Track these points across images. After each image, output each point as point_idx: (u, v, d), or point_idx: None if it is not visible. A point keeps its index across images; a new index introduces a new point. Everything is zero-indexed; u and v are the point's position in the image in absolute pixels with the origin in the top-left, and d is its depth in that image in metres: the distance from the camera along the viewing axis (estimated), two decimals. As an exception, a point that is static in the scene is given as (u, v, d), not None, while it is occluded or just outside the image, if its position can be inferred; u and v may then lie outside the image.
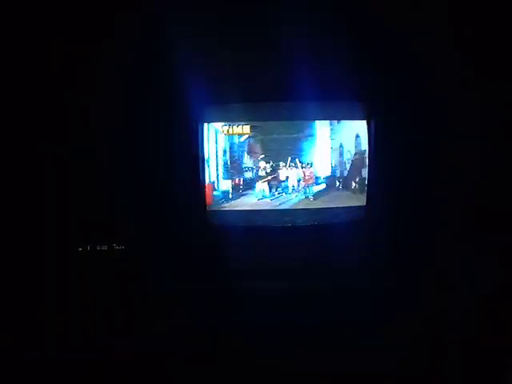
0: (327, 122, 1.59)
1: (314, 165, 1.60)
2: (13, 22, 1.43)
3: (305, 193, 1.62)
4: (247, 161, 1.59)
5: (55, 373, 1.30)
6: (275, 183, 1.61)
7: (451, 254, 1.54)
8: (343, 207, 1.62)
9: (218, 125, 1.56)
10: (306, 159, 1.59)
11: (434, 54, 1.54)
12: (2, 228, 1.46)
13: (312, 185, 1.62)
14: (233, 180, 1.60)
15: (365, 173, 1.60)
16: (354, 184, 1.62)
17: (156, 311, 1.41)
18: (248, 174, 1.60)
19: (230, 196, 1.60)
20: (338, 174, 1.62)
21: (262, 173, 1.60)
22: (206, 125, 1.55)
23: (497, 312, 1.36)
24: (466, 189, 1.58)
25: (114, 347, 1.34)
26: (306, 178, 1.61)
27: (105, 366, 1.32)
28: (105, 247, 1.54)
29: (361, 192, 1.61)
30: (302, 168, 1.60)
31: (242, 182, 1.60)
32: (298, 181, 1.61)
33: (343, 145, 1.60)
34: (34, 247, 1.48)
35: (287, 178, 1.61)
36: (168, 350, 1.34)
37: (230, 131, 1.57)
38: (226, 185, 1.59)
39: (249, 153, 1.58)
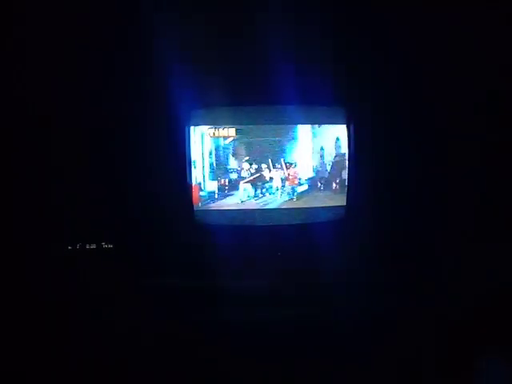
0: (309, 125, 1.66)
1: (297, 165, 1.66)
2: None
3: (288, 193, 1.67)
4: (232, 162, 1.64)
5: (50, 372, 1.32)
6: (260, 184, 1.66)
7: (432, 252, 1.60)
8: (324, 207, 1.67)
9: (204, 128, 1.61)
10: (289, 160, 1.65)
11: (415, 59, 1.61)
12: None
13: (296, 185, 1.67)
14: (218, 181, 1.64)
15: (345, 174, 1.66)
16: (334, 185, 1.68)
17: (143, 309, 1.42)
18: (233, 176, 1.64)
19: (216, 196, 1.64)
20: (320, 176, 1.68)
21: (244, 174, 1.65)
22: (192, 128, 1.60)
23: (479, 312, 1.40)
24: (446, 188, 1.65)
25: (105, 345, 1.36)
26: (290, 178, 1.66)
27: (98, 365, 1.34)
28: (93, 246, 1.57)
29: (341, 192, 1.67)
30: (287, 169, 1.65)
31: (227, 183, 1.65)
32: (282, 181, 1.66)
33: (324, 147, 1.66)
34: (24, 246, 1.50)
35: (271, 178, 1.66)
36: (157, 347, 1.36)
37: (216, 134, 1.62)
38: (212, 186, 1.64)
39: (234, 155, 1.63)
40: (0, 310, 1.37)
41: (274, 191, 1.67)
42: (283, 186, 1.67)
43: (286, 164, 1.65)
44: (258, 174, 1.65)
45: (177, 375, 1.34)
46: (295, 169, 1.66)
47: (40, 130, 1.55)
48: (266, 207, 1.67)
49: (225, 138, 1.62)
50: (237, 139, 1.62)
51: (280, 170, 1.66)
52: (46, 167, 1.56)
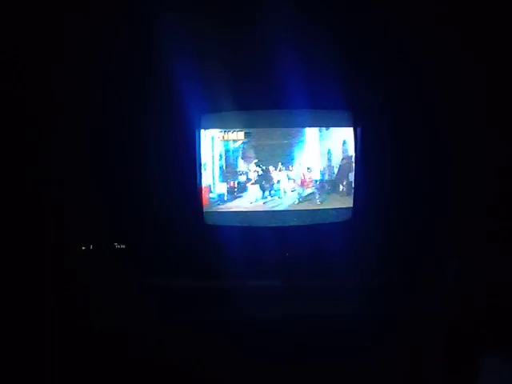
0: (317, 128, 1.68)
1: (312, 170, 1.69)
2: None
3: (296, 195, 1.70)
4: (241, 165, 1.67)
5: (55, 370, 1.35)
6: (267, 186, 1.69)
7: (436, 253, 1.62)
8: (331, 209, 1.70)
9: (215, 131, 1.65)
10: (301, 164, 1.68)
11: (422, 62, 1.62)
12: (5, 227, 1.52)
13: (305, 188, 1.69)
14: (228, 183, 1.67)
15: (351, 177, 1.68)
16: (341, 187, 1.70)
17: (153, 309, 1.46)
18: (242, 178, 1.68)
19: (225, 198, 1.67)
20: (327, 178, 1.70)
21: (251, 175, 1.68)
22: (203, 131, 1.63)
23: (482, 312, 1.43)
24: (453, 190, 1.66)
25: (113, 344, 1.39)
26: (307, 181, 1.69)
27: (105, 362, 1.38)
28: (106, 246, 1.61)
29: (348, 194, 1.69)
30: (293, 171, 1.68)
31: (236, 185, 1.68)
32: (290, 183, 1.69)
33: (331, 150, 1.69)
34: (38, 246, 1.53)
35: (279, 181, 1.69)
36: (166, 345, 1.40)
37: (225, 137, 1.65)
38: (221, 188, 1.67)
39: (243, 158, 1.66)
40: (10, 309, 1.40)
41: (281, 193, 1.70)
42: (291, 188, 1.69)
43: (293, 167, 1.68)
44: (263, 176, 1.67)
45: (187, 375, 1.38)
46: (311, 172, 1.69)
47: (54, 133, 1.59)
48: (274, 209, 1.69)
49: (234, 141, 1.65)
50: (246, 142, 1.65)
51: (288, 172, 1.68)
52: (60, 169, 1.59)
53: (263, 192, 1.69)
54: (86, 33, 1.53)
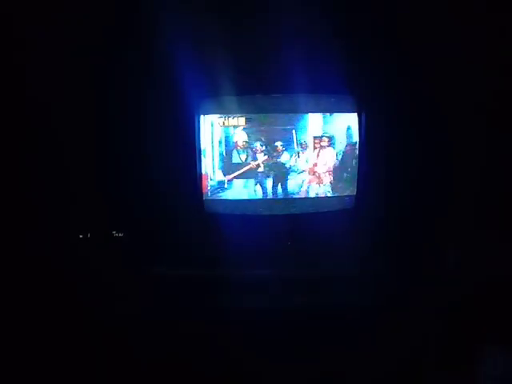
0: (320, 114, 1.64)
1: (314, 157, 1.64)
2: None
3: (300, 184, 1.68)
4: (241, 152, 1.63)
5: (56, 359, 1.36)
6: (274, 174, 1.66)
7: (437, 242, 1.60)
8: (335, 196, 1.67)
9: (214, 117, 1.60)
10: (305, 151, 1.64)
11: (424, 48, 1.58)
12: (6, 219, 1.51)
13: (312, 176, 1.66)
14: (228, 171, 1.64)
15: (355, 163, 1.65)
16: (345, 174, 1.67)
17: (152, 296, 1.47)
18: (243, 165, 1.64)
19: (225, 186, 1.65)
20: (331, 165, 1.66)
21: (254, 163, 1.65)
22: (202, 117, 1.59)
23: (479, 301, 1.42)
24: (453, 178, 1.64)
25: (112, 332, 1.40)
26: (310, 169, 1.66)
27: (103, 348, 1.38)
28: (105, 235, 1.59)
29: (351, 182, 1.66)
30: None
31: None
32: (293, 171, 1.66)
33: (335, 136, 1.65)
34: (38, 235, 1.52)
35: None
36: (164, 333, 1.41)
37: (226, 123, 1.61)
38: (221, 175, 1.64)
39: (242, 144, 1.62)
40: (7, 298, 1.40)
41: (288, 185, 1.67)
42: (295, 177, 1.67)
43: (296, 154, 1.64)
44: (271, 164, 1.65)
45: (187, 364, 1.39)
46: (313, 161, 1.65)
47: (53, 123, 1.56)
48: (274, 197, 1.67)
49: (235, 126, 1.61)
50: (246, 128, 1.61)
51: (291, 160, 1.65)
52: (59, 158, 1.58)
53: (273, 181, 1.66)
54: (86, 21, 1.50)
